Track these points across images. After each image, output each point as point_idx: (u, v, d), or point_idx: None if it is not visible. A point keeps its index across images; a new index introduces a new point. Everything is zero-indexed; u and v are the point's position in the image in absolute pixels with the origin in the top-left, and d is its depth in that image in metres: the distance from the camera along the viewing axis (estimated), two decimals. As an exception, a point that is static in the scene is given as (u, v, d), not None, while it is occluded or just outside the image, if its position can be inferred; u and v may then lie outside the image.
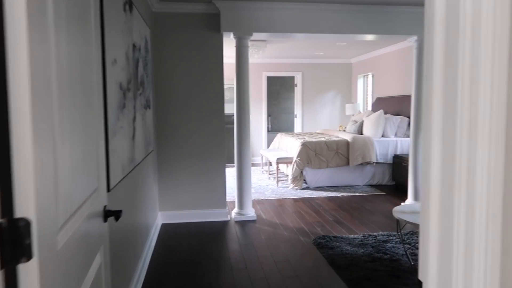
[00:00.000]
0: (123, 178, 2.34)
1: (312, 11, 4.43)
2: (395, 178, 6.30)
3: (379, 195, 5.80)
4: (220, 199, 4.60)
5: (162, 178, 4.48)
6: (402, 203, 5.13)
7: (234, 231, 4.21)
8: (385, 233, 3.97)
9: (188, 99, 4.46)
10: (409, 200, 5.01)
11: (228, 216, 4.64)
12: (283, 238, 3.96)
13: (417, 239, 3.74)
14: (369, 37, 4.79)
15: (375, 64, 8.30)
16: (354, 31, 4.58)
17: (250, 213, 4.63)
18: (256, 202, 5.40)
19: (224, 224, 4.47)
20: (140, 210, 3.16)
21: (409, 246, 3.58)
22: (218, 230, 4.26)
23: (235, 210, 4.67)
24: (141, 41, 3.04)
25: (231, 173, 7.34)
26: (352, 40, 6.71)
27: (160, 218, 4.46)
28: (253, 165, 8.69)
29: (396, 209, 3.21)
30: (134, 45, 2.69)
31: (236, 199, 4.65)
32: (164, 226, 4.37)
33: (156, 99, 4.39)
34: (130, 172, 2.60)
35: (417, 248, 3.52)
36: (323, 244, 3.67)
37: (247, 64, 4.49)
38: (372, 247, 3.56)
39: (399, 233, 3.48)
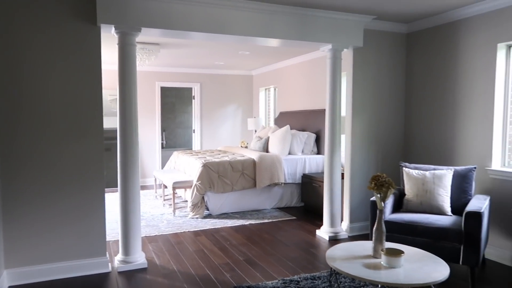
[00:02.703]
0: None
1: (217, 7, 3.64)
2: (304, 199, 5.80)
3: (290, 220, 5.20)
4: (97, 243, 3.46)
5: (8, 224, 3.17)
6: (318, 230, 4.58)
7: (116, 289, 3.12)
8: (307, 275, 3.29)
9: (49, 111, 3.27)
10: (325, 226, 4.48)
11: (109, 265, 3.51)
12: (183, 295, 3.01)
13: (345, 281, 3.13)
14: (281, 42, 4.17)
15: (278, 76, 7.87)
16: (265, 34, 3.91)
17: (139, 259, 3.57)
18: (147, 240, 4.33)
19: (103, 278, 3.33)
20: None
21: (339, 292, 2.94)
22: (93, 289, 3.12)
23: (119, 256, 3.57)
24: None
25: (115, 200, 6.11)
26: (256, 49, 6.12)
27: (5, 279, 3.14)
28: (145, 188, 7.52)
29: (329, 254, 2.53)
30: None
31: (120, 242, 3.55)
32: (12, 290, 3.08)
33: (-1, 110, 3.11)
34: None
35: (349, 295, 2.89)
36: (236, 301, 2.83)
37: (134, 67, 3.49)
38: (298, 299, 2.84)
39: (330, 281, 2.82)
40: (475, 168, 3.62)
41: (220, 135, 8.77)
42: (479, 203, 3.27)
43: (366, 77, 4.51)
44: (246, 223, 5.02)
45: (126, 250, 3.52)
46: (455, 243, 3.10)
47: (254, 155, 5.81)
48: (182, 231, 4.69)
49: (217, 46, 5.84)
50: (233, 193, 5.52)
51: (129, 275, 3.38)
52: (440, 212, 3.48)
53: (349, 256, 2.52)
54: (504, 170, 3.66)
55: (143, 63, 6.09)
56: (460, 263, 3.08)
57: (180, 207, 5.81)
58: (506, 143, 3.79)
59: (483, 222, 3.05)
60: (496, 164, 3.79)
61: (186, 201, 5.96)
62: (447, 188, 3.52)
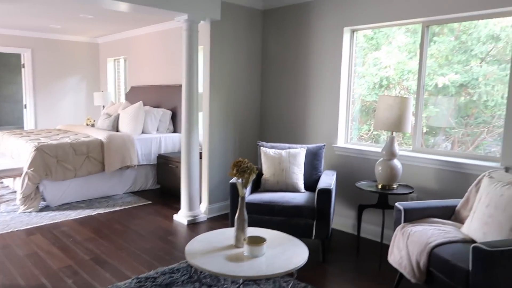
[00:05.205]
0: None
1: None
2: (160, 181, 5.44)
3: (145, 205, 4.79)
4: None
5: None
6: (175, 215, 4.31)
7: None
8: (165, 268, 3.02)
9: None
10: (183, 210, 4.24)
11: None
12: (7, 316, 2.41)
13: (206, 274, 2.96)
14: (130, 7, 3.62)
15: (129, 46, 7.13)
16: (108, -5, 3.33)
17: None
18: (-43, 248, 3.41)
19: None
20: None
21: (199, 284, 2.76)
22: None
23: None
24: None
25: None
26: (101, 12, 5.33)
27: None
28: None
29: (188, 250, 2.28)
30: None
31: None
32: None
33: None
34: None
35: (210, 286, 2.74)
36: (79, 314, 2.38)
37: None
38: (154, 300, 2.55)
39: (193, 274, 2.61)
40: (324, 145, 3.82)
41: (60, 111, 7.60)
42: (328, 179, 3.46)
43: (223, 52, 4.32)
44: (93, 213, 4.42)
45: None
46: (309, 219, 3.22)
47: (101, 135, 5.14)
48: (9, 230, 3.84)
49: (52, 4, 4.87)
50: (76, 180, 4.80)
51: None
52: (295, 189, 3.58)
53: (210, 248, 2.32)
54: (347, 147, 3.98)
55: None
56: (313, 237, 3.22)
57: (8, 200, 4.80)
58: (349, 122, 4.11)
59: (332, 197, 3.23)
60: (341, 141, 4.09)
61: (15, 191, 4.96)
62: (301, 166, 3.64)
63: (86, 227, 3.99)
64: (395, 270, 2.82)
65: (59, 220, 4.17)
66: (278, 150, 3.71)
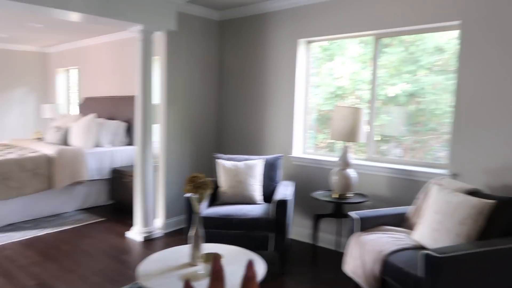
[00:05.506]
0: None
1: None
2: (115, 197, 5.22)
3: (97, 223, 4.56)
4: None
5: None
6: (129, 232, 4.13)
7: None
8: (118, 289, 2.87)
9: None
10: (138, 226, 4.07)
11: None
12: None
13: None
14: (82, 17, 3.47)
15: (82, 56, 6.86)
16: (60, 5, 3.17)
17: None
18: None
19: None
20: None
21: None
22: None
23: None
24: None
25: None
26: (51, 22, 5.11)
27: None
28: None
29: (141, 271, 2.17)
30: None
31: None
32: None
33: None
34: None
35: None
36: None
37: None
38: (105, 326, 2.40)
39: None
40: (281, 156, 3.81)
41: (5, 125, 7.16)
42: (285, 190, 3.45)
43: (180, 63, 4.23)
44: (40, 234, 4.15)
45: None
46: (266, 231, 3.18)
47: (50, 149, 4.86)
48: None
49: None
50: (22, 198, 4.50)
51: None
52: (252, 201, 3.53)
53: (165, 268, 2.22)
54: (303, 157, 4.00)
55: None
56: (272, 249, 3.18)
57: None
58: (306, 131, 4.14)
59: (290, 208, 3.21)
60: (297, 151, 4.11)
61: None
62: (258, 177, 3.60)
63: (32, 250, 3.72)
64: (351, 279, 2.83)
65: (1, 243, 3.87)
66: (235, 162, 3.66)
